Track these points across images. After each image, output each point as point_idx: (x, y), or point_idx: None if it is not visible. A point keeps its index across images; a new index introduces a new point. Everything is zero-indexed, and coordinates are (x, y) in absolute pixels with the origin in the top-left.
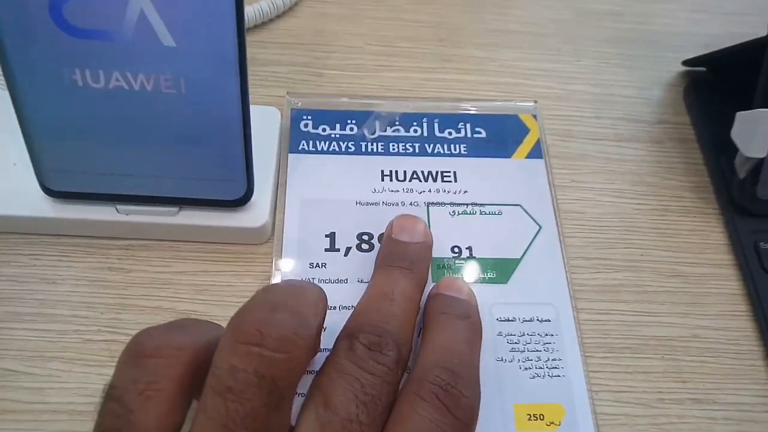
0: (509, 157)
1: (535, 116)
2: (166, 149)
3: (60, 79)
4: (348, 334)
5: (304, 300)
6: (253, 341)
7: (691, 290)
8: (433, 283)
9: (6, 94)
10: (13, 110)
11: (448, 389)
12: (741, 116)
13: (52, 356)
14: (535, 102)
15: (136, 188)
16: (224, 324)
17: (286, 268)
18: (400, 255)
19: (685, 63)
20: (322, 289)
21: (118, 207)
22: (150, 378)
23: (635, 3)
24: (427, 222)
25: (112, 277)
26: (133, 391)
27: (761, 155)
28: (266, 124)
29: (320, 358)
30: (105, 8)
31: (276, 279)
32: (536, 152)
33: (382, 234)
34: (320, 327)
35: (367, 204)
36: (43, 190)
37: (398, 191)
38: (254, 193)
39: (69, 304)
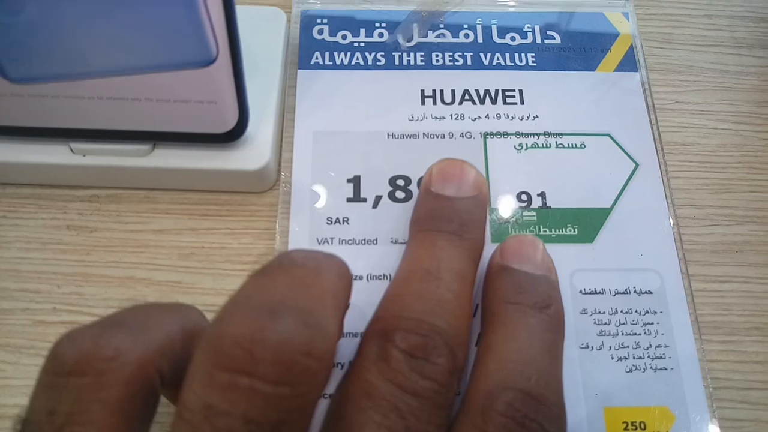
0: (593, 69)
1: (626, 15)
2: (126, 56)
3: None
4: (378, 332)
5: (318, 290)
6: (240, 367)
7: None
8: (494, 245)
9: None
10: None
11: (527, 423)
12: None
13: None
14: None
15: (93, 119)
16: (210, 303)
17: (297, 225)
18: (445, 216)
19: None
20: (344, 264)
21: (73, 146)
22: (71, 407)
23: None
24: (484, 160)
25: (71, 238)
26: (48, 428)
27: None
28: (267, 31)
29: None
30: None
31: (283, 240)
32: (629, 63)
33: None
34: (342, 326)
35: (403, 137)
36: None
37: (444, 118)
38: (250, 123)
39: (16, 275)
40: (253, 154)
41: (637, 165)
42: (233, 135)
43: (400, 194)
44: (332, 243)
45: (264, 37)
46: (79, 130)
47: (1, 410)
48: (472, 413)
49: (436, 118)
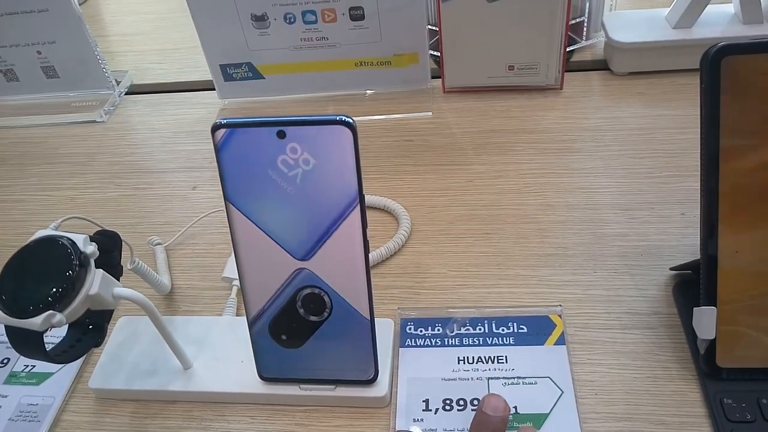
0: (542, 344)
1: (560, 315)
2: (331, 352)
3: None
4: None
5: None
6: None
7: None
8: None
9: (235, 319)
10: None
11: None
12: (696, 310)
13: None
14: (560, 305)
15: (310, 374)
16: None
17: (399, 421)
18: (487, 425)
19: (673, 269)
20: None
21: (301, 386)
22: None
23: (639, 226)
24: (487, 390)
25: (299, 429)
26: None
27: (710, 337)
28: (385, 330)
29: None
30: None
31: (394, 425)
32: (561, 340)
33: (460, 399)
34: None
35: (449, 380)
36: (259, 376)
37: (469, 370)
38: (379, 375)
39: None
40: (380, 389)
41: (562, 392)
42: (372, 381)
43: (447, 408)
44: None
45: (384, 332)
46: (303, 379)
47: None
48: None
49: (465, 370)
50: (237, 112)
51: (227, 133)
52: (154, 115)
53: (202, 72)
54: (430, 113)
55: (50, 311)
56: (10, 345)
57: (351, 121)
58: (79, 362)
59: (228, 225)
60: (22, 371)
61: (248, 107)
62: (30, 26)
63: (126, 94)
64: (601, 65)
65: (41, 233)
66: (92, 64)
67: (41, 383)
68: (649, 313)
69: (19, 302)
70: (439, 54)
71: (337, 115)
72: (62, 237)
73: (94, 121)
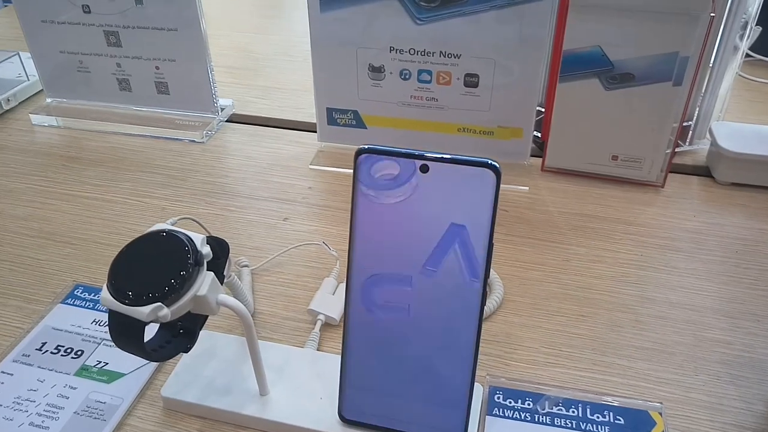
0: None
1: (660, 413)
2: (421, 405)
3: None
4: None
5: None
6: None
7: None
8: None
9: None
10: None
11: None
12: None
13: None
14: (661, 403)
15: (393, 424)
16: None
17: None
18: None
19: None
20: None
21: None
22: None
23: (744, 336)
24: None
25: None
26: None
27: None
28: (474, 394)
29: None
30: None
31: None
32: None
33: None
34: None
35: None
36: (339, 417)
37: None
38: None
39: None
40: None
41: None
42: None
43: None
44: None
45: (473, 399)
46: (386, 428)
47: None
48: None
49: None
50: (334, 156)
51: (370, 159)
52: (251, 145)
53: (302, 113)
54: (527, 188)
55: (159, 303)
56: (91, 338)
57: (497, 165)
58: (151, 368)
59: (347, 254)
60: (94, 366)
61: (345, 152)
62: (156, 42)
63: (226, 121)
64: (701, 171)
65: (159, 226)
66: (204, 87)
67: (112, 382)
68: (756, 430)
69: (129, 289)
70: (538, 133)
71: (485, 158)
72: (181, 233)
73: (193, 141)
